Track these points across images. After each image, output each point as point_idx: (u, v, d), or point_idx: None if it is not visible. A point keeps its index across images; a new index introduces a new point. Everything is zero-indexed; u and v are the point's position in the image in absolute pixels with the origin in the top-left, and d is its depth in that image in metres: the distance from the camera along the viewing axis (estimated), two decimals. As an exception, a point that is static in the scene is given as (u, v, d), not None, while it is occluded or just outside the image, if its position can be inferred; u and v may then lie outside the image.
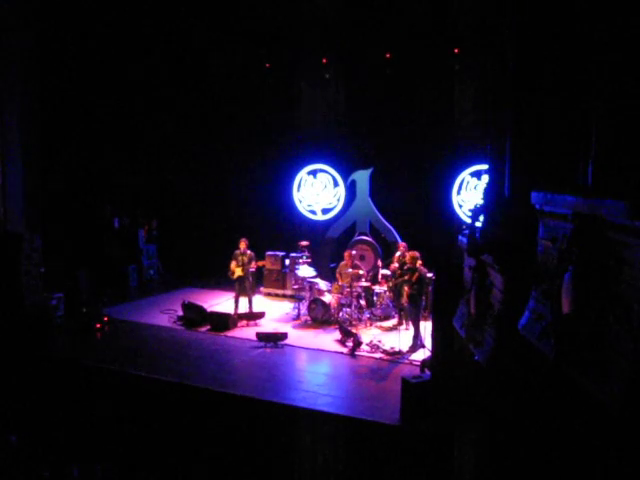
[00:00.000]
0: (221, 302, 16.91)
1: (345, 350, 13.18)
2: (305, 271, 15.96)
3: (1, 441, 10.79)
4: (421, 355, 12.21)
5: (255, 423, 10.61)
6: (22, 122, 14.50)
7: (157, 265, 20.00)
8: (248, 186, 19.55)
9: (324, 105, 17.83)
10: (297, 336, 14.14)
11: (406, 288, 13.31)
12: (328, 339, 13.97)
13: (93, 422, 11.56)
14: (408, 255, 13.55)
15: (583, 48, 5.64)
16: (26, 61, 14.64)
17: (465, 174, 16.52)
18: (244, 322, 15.02)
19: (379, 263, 16.19)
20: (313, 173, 18.19)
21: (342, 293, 15.17)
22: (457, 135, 16.47)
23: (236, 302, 15.38)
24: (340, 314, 14.98)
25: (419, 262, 13.15)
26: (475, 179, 16.31)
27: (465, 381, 9.06)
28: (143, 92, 19.33)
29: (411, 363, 12.35)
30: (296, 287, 16.36)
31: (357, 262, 15.55)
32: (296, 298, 16.31)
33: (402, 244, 15.12)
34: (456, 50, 16.14)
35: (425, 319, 13.24)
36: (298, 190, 18.37)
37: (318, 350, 13.32)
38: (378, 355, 12.93)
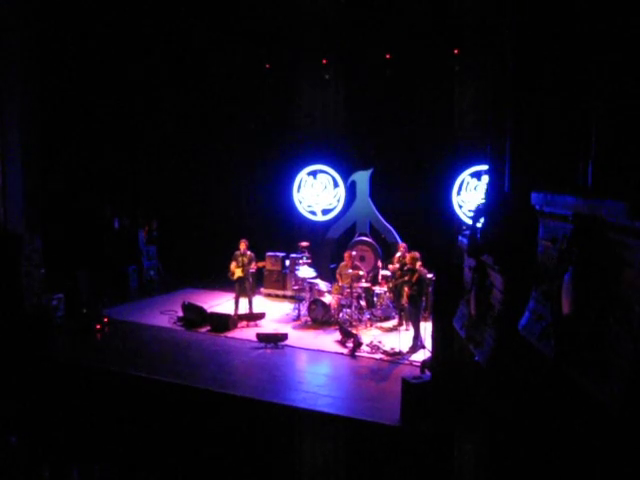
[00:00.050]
0: (221, 303, 16.91)
1: (345, 351, 13.17)
2: (305, 272, 15.95)
3: (1, 441, 10.79)
4: (421, 356, 12.20)
5: (255, 424, 10.61)
6: (22, 122, 14.48)
7: (157, 266, 19.98)
8: (248, 187, 19.58)
9: (324, 105, 17.82)
10: (297, 337, 14.14)
11: (406, 289, 13.30)
12: (328, 340, 13.96)
13: (93, 423, 11.56)
14: (408, 256, 13.55)
15: (583, 48, 5.63)
16: (26, 61, 14.62)
17: (465, 175, 16.50)
18: (244, 323, 15.02)
19: (379, 264, 16.18)
20: (313, 174, 18.18)
21: (342, 294, 15.16)
22: (457, 135, 16.48)
23: (236, 303, 15.38)
24: (340, 315, 14.97)
25: (419, 263, 13.15)
26: (475, 180, 16.30)
27: (465, 382, 9.05)
28: (143, 92, 19.34)
29: (411, 364, 12.34)
30: (296, 288, 16.35)
31: (357, 263, 15.54)
32: (296, 299, 16.30)
33: (402, 245, 15.13)
34: (456, 51, 16.13)
35: (425, 320, 13.24)
36: (298, 191, 18.36)
37: (318, 351, 13.31)
38: (378, 356, 12.93)
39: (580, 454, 5.69)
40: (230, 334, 14.38)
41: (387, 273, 15.32)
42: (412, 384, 9.78)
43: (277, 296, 17.69)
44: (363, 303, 15.21)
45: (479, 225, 7.19)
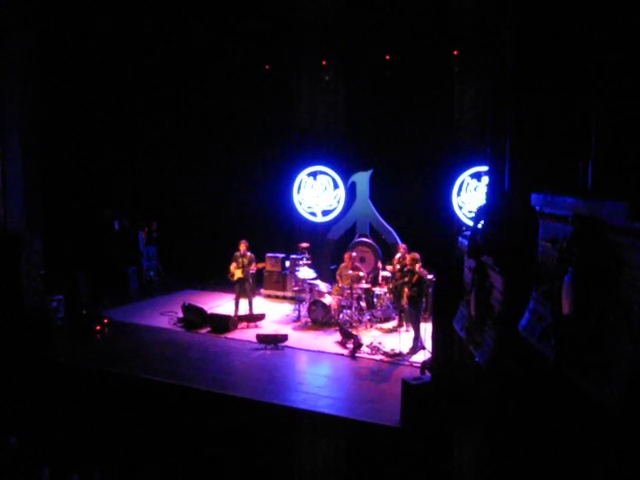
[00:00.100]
0: (221, 304, 16.90)
1: (345, 352, 13.16)
2: (305, 273, 15.94)
3: (1, 442, 10.78)
4: (421, 357, 12.18)
5: (255, 425, 10.59)
6: (22, 122, 14.48)
7: (157, 267, 19.99)
8: (248, 187, 19.54)
9: (324, 106, 17.80)
10: (297, 338, 14.12)
11: (406, 290, 13.28)
12: (328, 341, 13.95)
13: (93, 424, 11.55)
14: (408, 257, 13.55)
15: (583, 48, 5.62)
16: (26, 61, 14.61)
17: (465, 175, 16.48)
18: (244, 324, 15.01)
19: (379, 265, 16.17)
20: (313, 175, 18.16)
21: (342, 295, 15.16)
22: (457, 136, 16.44)
23: (236, 304, 15.38)
24: (340, 316, 14.96)
25: (419, 264, 13.13)
26: (475, 180, 16.28)
27: (465, 383, 9.04)
28: (143, 92, 19.34)
29: (411, 365, 12.33)
30: (296, 289, 16.34)
31: (357, 264, 15.53)
32: (296, 300, 16.30)
33: (402, 246, 15.12)
34: (455, 52, 16.11)
35: (425, 321, 13.22)
36: (298, 192, 18.35)
37: (318, 352, 13.30)
38: (378, 357, 12.91)
39: (580, 455, 5.68)
40: (230, 335, 14.37)
41: (387, 274, 15.31)
42: (412, 385, 9.77)
43: (277, 297, 17.68)
44: (363, 304, 15.19)
45: (479, 226, 7.17)
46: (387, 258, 16.10)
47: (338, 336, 13.89)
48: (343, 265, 15.32)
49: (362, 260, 16.31)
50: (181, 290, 18.57)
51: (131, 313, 16.18)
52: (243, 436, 10.61)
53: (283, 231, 18.71)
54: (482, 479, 8.34)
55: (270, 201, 19.04)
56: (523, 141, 6.53)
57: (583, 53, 5.63)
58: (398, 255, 14.79)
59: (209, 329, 14.72)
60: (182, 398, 11.18)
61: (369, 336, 14.04)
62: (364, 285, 15.18)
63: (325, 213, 18.16)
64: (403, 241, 16.02)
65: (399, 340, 13.29)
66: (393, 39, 16.65)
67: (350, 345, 13.25)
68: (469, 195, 16.42)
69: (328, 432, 10.20)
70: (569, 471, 5.97)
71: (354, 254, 15.55)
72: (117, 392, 11.68)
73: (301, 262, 16.43)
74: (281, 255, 17.69)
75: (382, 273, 15.76)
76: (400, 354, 12.91)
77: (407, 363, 12.54)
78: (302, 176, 18.26)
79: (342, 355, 13.05)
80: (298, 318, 15.62)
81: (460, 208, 16.59)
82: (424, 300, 13.38)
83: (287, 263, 17.58)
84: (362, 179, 17.32)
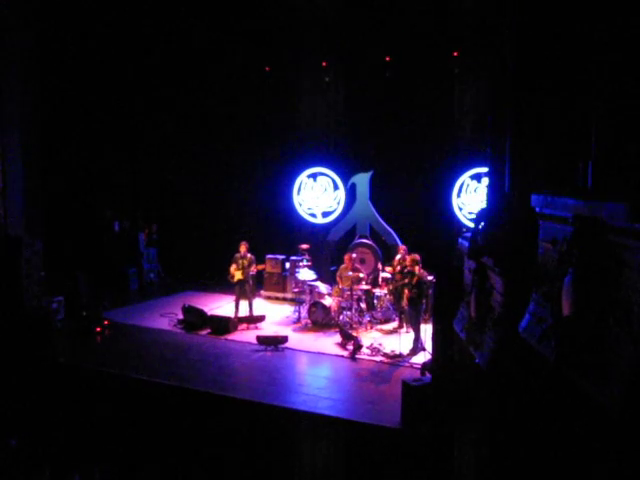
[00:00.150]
0: (221, 305, 16.89)
1: (345, 353, 13.14)
2: (305, 274, 15.92)
3: (1, 444, 10.78)
4: (421, 358, 12.16)
5: (255, 426, 10.58)
6: (22, 122, 14.49)
7: (157, 268, 19.99)
8: (248, 189, 19.53)
9: (324, 106, 17.78)
10: (297, 339, 14.11)
11: (406, 291, 13.26)
12: (328, 342, 13.93)
13: (93, 425, 11.54)
14: (408, 258, 13.53)
15: (583, 48, 5.61)
16: (26, 61, 14.63)
17: (465, 177, 16.46)
18: (244, 325, 14.99)
19: (379, 266, 16.15)
20: (313, 176, 18.15)
21: (342, 296, 15.14)
22: (457, 137, 16.43)
23: (236, 305, 15.37)
24: (340, 317, 14.95)
25: (419, 265, 13.12)
26: (475, 182, 16.26)
27: (465, 384, 9.03)
28: (143, 92, 19.34)
29: (411, 366, 12.31)
30: (296, 290, 16.32)
31: (357, 265, 15.51)
32: (296, 301, 16.28)
33: (402, 247, 15.10)
34: (455, 53, 16.10)
35: (425, 322, 13.20)
36: (298, 193, 18.33)
37: (318, 353, 13.28)
38: (379, 358, 12.90)
39: (580, 456, 5.67)
40: (230, 337, 14.35)
41: (387, 275, 15.30)
42: (412, 386, 9.75)
43: (277, 299, 17.67)
44: (363, 305, 15.17)
45: (479, 227, 7.16)
46: (387, 259, 16.08)
47: (338, 337, 13.87)
48: (343, 266, 15.30)
49: (362, 261, 16.29)
50: (181, 291, 18.56)
51: (131, 314, 16.17)
52: (243, 437, 10.60)
53: (283, 232, 18.70)
54: (482, 479, 8.33)
55: (270, 202, 19.04)
56: (523, 141, 6.53)
57: (583, 53, 5.62)
58: (398, 256, 14.77)
59: (209, 330, 14.70)
60: (182, 399, 11.17)
61: (369, 337, 14.02)
62: (364, 286, 15.16)
63: (325, 214, 18.14)
64: (403, 242, 15.99)
65: (399, 341, 13.28)
66: (393, 39, 16.64)
67: (350, 346, 13.24)
68: (469, 196, 16.39)
69: (328, 433, 10.19)
70: (569, 472, 5.96)
71: (354, 255, 15.53)
72: (117, 393, 11.66)
73: (301, 264, 16.41)
74: (281, 257, 17.68)
75: (382, 274, 15.73)
76: (400, 355, 12.90)
77: (407, 364, 12.52)
78: (302, 177, 18.24)
79: (342, 356, 13.03)
80: (298, 320, 15.60)
81: (460, 209, 16.57)
82: (424, 301, 13.36)
83: (287, 265, 17.57)
84: (362, 180, 17.30)
